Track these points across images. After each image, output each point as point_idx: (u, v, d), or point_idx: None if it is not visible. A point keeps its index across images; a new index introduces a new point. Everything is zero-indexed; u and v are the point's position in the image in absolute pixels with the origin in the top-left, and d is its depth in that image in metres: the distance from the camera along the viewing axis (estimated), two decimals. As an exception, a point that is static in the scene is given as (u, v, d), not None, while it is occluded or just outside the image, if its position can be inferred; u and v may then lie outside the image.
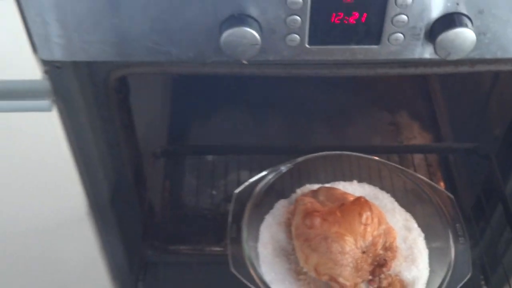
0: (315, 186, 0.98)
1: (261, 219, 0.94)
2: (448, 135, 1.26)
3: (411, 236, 0.93)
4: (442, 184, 1.17)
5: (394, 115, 1.31)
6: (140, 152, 1.01)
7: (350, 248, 0.81)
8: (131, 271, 1.01)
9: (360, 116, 1.29)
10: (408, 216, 0.95)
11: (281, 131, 1.25)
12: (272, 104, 1.29)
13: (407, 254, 0.91)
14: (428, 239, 0.93)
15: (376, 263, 0.85)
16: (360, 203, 0.86)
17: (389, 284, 0.86)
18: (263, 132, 1.24)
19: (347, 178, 0.97)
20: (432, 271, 0.88)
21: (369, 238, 0.84)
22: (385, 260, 0.85)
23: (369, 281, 0.86)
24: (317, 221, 0.84)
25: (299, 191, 0.97)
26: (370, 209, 0.85)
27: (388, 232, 0.87)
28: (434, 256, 0.91)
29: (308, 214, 0.86)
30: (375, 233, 0.85)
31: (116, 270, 1.10)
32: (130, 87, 0.90)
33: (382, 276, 0.85)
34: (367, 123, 1.29)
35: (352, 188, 0.97)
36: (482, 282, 1.09)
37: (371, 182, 0.98)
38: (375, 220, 0.85)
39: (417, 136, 1.29)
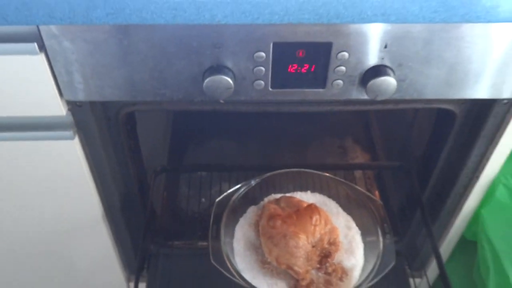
0: (279, 195, 0.98)
1: (236, 221, 0.94)
2: (382, 155, 1.26)
3: (351, 233, 0.93)
4: (376, 193, 1.17)
5: (341, 140, 1.32)
6: (145, 169, 1.00)
7: (303, 243, 0.81)
8: (138, 261, 0.99)
9: (316, 141, 1.29)
10: (348, 218, 0.94)
11: (255, 153, 1.25)
12: (249, 132, 1.29)
13: (347, 247, 0.91)
14: (363, 235, 0.93)
15: (323, 254, 0.85)
16: (311, 208, 0.87)
17: (333, 270, 0.86)
18: (242, 152, 1.25)
19: (303, 189, 0.97)
20: (366, 260, 0.87)
21: (317, 235, 0.84)
22: (330, 252, 0.85)
23: (318, 268, 0.87)
24: (278, 222, 0.84)
25: (266, 199, 0.96)
26: (319, 213, 0.86)
27: (333, 230, 0.87)
28: (368, 248, 0.91)
29: (272, 217, 0.87)
30: (322, 231, 0.85)
31: (126, 261, 1.09)
32: (136, 120, 0.89)
33: (328, 264, 0.85)
34: (321, 146, 1.29)
35: (307, 197, 0.96)
36: (406, 267, 1.09)
37: (321, 192, 0.97)
38: (323, 221, 0.86)
39: (359, 156, 1.30)
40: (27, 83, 0.67)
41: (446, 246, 1.09)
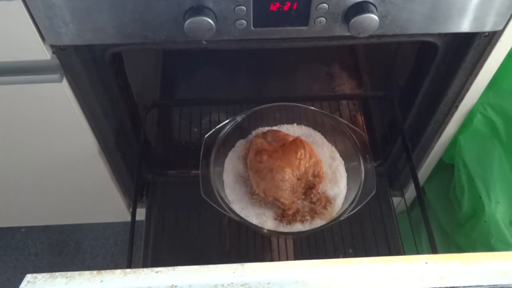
0: (266, 128, 0.96)
1: (225, 155, 0.93)
2: (367, 82, 1.23)
3: (335, 164, 0.92)
4: (361, 120, 1.14)
5: (329, 67, 1.27)
6: (136, 105, 0.98)
7: (288, 177, 0.81)
8: (137, 189, 0.99)
9: (304, 68, 1.25)
10: (333, 149, 0.93)
11: (244, 85, 1.22)
12: (238, 65, 1.24)
13: (331, 177, 0.91)
14: (347, 164, 0.93)
15: (307, 186, 0.85)
16: (296, 143, 0.85)
17: (318, 199, 0.86)
18: (231, 85, 1.21)
19: (290, 121, 0.96)
20: (349, 189, 0.87)
21: (302, 168, 0.83)
22: (314, 184, 0.85)
23: (303, 198, 0.86)
24: (265, 157, 0.83)
25: (253, 132, 0.94)
26: (304, 147, 0.84)
27: (317, 163, 0.86)
28: (350, 177, 0.91)
29: (259, 152, 0.85)
30: (307, 165, 0.84)
31: (125, 190, 1.09)
32: (123, 59, 0.85)
33: (312, 195, 0.85)
34: (309, 74, 1.25)
35: (293, 129, 0.94)
36: (388, 188, 1.11)
37: (307, 124, 0.95)
38: (307, 155, 0.85)
39: (346, 82, 1.26)
40: (8, 29, 0.63)
41: (425, 169, 1.09)
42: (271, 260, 0.97)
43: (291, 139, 0.84)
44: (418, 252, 0.97)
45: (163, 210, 1.04)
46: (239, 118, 0.88)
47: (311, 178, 0.82)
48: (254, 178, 0.82)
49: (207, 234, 0.96)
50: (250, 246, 0.98)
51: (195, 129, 1.17)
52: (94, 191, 1.08)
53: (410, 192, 1.14)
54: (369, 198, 0.78)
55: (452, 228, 1.07)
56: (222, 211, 0.77)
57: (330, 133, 0.93)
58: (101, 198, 1.11)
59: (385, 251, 1.01)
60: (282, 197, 0.79)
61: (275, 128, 0.93)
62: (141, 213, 1.06)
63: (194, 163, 1.07)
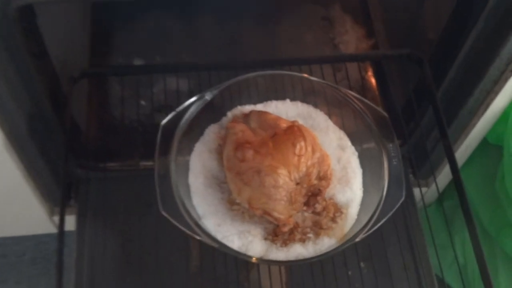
0: (247, 108, 0.91)
1: (191, 148, 0.88)
2: (380, 33, 1.19)
3: (345, 156, 0.88)
4: (375, 88, 1.13)
5: (326, 8, 1.21)
6: (58, 78, 0.91)
7: (283, 181, 0.76)
8: (61, 191, 0.93)
9: (292, 12, 1.18)
10: (341, 134, 0.90)
11: (211, 33, 1.14)
12: (201, 9, 1.18)
13: (341, 175, 0.86)
14: (361, 156, 0.89)
15: (310, 193, 0.81)
16: (293, 132, 0.79)
17: (323, 209, 0.82)
18: (191, 38, 1.14)
19: (280, 97, 0.91)
20: (366, 192, 0.85)
21: (303, 169, 0.78)
22: (319, 189, 0.80)
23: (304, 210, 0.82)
24: (249, 153, 0.78)
25: (229, 114, 0.90)
26: (304, 138, 0.79)
27: (322, 160, 0.81)
28: (367, 174, 0.87)
29: (240, 146, 0.79)
30: (309, 163, 0.79)
31: (45, 192, 1.03)
32: (36, 15, 0.78)
33: (317, 204, 0.81)
34: (299, 18, 1.19)
35: (285, 107, 0.91)
36: (411, 175, 1.11)
37: (304, 99, 0.91)
38: (309, 149, 0.79)
39: (349, 30, 1.21)
40: None
41: (462, 152, 1.07)
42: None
43: (285, 124, 0.80)
44: (457, 261, 0.96)
45: (101, 216, 1.01)
46: (208, 96, 0.84)
47: (315, 182, 0.79)
48: (234, 182, 0.78)
49: (166, 248, 0.94)
50: (229, 266, 0.95)
51: (143, 102, 1.13)
52: (1, 197, 1.02)
53: (439, 181, 1.12)
54: (398, 205, 0.77)
55: (497, 229, 1.07)
56: (190, 233, 0.75)
57: (336, 111, 0.90)
58: (13, 205, 1.06)
59: (409, 261, 1.01)
60: (275, 210, 0.76)
61: (259, 107, 0.89)
62: (70, 222, 1.02)
63: (144, 151, 1.05)
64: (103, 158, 1.05)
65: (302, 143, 0.79)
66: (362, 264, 1.00)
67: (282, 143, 0.79)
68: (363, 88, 1.14)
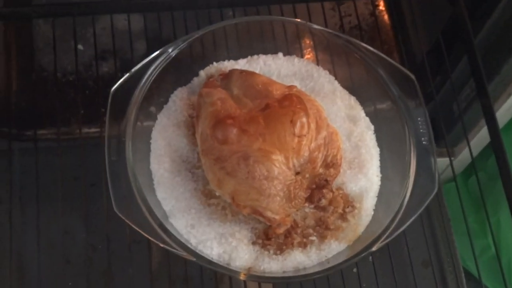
0: (225, 65, 0.89)
1: (151, 122, 0.85)
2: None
3: (358, 130, 0.86)
4: (388, 23, 1.13)
5: None
6: None
7: (279, 171, 0.74)
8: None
9: None
10: (352, 100, 0.88)
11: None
12: None
13: (352, 157, 0.85)
14: (378, 130, 0.87)
15: (314, 186, 0.78)
16: (292, 103, 0.75)
17: (330, 203, 0.81)
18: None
19: (269, 49, 0.90)
20: (385, 179, 0.84)
21: (305, 153, 0.76)
22: (326, 180, 0.78)
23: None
24: (233, 133, 0.75)
25: (202, 73, 0.88)
26: (306, 112, 0.75)
27: (330, 140, 0.77)
28: (387, 158, 0.86)
29: (220, 121, 0.76)
30: (313, 145, 0.76)
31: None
32: None
33: (322, 197, 0.78)
34: None
35: (277, 64, 0.89)
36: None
37: (302, 54, 0.90)
38: (313, 126, 0.76)
39: None
40: None
41: (504, 114, 1.08)
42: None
43: (279, 91, 0.78)
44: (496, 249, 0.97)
45: (30, 201, 1.00)
46: (172, 51, 0.82)
47: (321, 171, 0.77)
48: (212, 171, 0.77)
49: (118, 243, 0.89)
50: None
51: (81, 47, 1.11)
52: None
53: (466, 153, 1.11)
54: (430, 198, 0.76)
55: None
56: (152, 239, 0.73)
57: (343, 67, 0.89)
58: None
59: (431, 251, 1.01)
60: (269, 208, 0.74)
61: (242, 63, 0.88)
62: None
63: (85, 113, 1.04)
64: (31, 124, 1.04)
65: (304, 119, 0.75)
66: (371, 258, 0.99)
67: (277, 119, 0.75)
68: (375, 27, 1.13)
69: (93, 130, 1.03)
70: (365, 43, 1.05)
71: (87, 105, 1.03)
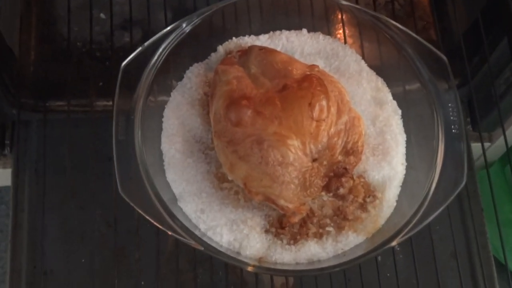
0: (246, 41, 0.87)
1: (164, 99, 0.84)
2: None
3: (383, 115, 0.84)
4: (427, 11, 1.09)
5: None
6: None
7: (295, 157, 0.73)
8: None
9: None
10: (380, 82, 0.86)
11: None
12: None
13: (376, 143, 0.83)
14: (405, 117, 0.85)
15: (332, 174, 0.76)
16: (312, 85, 0.73)
17: (350, 191, 0.79)
18: None
19: (293, 25, 0.88)
20: (410, 168, 0.82)
21: (323, 139, 0.74)
22: (345, 169, 0.76)
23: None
24: (247, 114, 0.73)
25: (221, 48, 0.87)
26: (326, 95, 0.73)
27: (352, 126, 0.76)
28: (413, 145, 0.84)
29: (234, 102, 0.74)
30: (333, 130, 0.74)
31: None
32: None
33: (340, 186, 0.76)
34: None
35: (300, 41, 0.88)
36: (469, 127, 1.09)
37: (327, 29, 0.88)
38: (333, 110, 0.74)
39: None
40: None
41: None
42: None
43: (300, 71, 0.76)
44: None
45: (43, 170, 0.98)
46: (187, 26, 0.81)
47: (340, 158, 0.75)
48: (224, 154, 0.76)
49: (127, 218, 0.88)
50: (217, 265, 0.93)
51: (103, 16, 1.08)
52: None
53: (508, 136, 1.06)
54: (456, 192, 0.74)
55: None
56: (158, 225, 0.72)
57: (372, 46, 0.87)
58: None
59: (459, 241, 0.98)
60: (282, 196, 0.73)
61: (263, 39, 0.87)
62: (4, 176, 1.04)
63: (101, 86, 1.03)
64: (46, 95, 1.02)
65: (323, 102, 0.73)
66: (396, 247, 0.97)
67: (294, 101, 0.73)
68: (411, 2, 1.09)
69: (109, 103, 1.02)
70: (400, 18, 1.03)
71: (103, 77, 1.02)
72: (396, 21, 0.83)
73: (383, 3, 1.11)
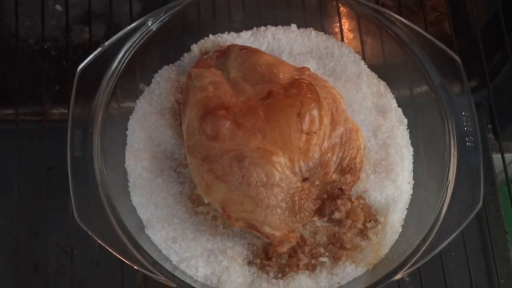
0: (225, 39, 0.87)
1: (129, 108, 0.85)
2: None
3: (387, 125, 0.85)
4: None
5: None
6: None
7: (281, 177, 0.73)
8: None
9: None
10: (382, 87, 0.87)
11: None
12: None
13: (378, 158, 0.84)
14: (412, 128, 0.86)
15: (325, 196, 0.76)
16: (301, 91, 0.74)
17: (347, 215, 0.80)
18: None
19: (281, 20, 0.89)
20: (418, 187, 0.83)
21: (315, 155, 0.75)
22: (341, 190, 0.76)
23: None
24: (225, 126, 0.74)
25: (195, 48, 0.87)
26: (318, 102, 0.73)
27: (349, 139, 0.76)
28: (422, 160, 0.84)
29: (210, 112, 0.75)
30: (326, 145, 0.75)
31: None
32: None
33: (335, 209, 0.77)
34: None
35: (289, 39, 0.89)
36: (490, 135, 1.07)
37: (319, 24, 0.89)
38: (326, 121, 0.74)
39: None
40: None
41: None
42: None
43: (287, 75, 0.77)
44: None
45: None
46: (152, 24, 0.81)
47: (335, 177, 0.75)
48: (199, 173, 0.76)
49: (87, 251, 0.87)
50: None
51: (59, 7, 1.08)
52: None
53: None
54: (471, 216, 0.75)
55: None
56: (122, 258, 0.73)
57: (373, 44, 0.88)
58: None
59: (478, 266, 0.98)
60: (267, 223, 0.74)
61: (246, 37, 0.88)
62: None
63: (57, 91, 1.03)
64: None
65: (315, 112, 0.73)
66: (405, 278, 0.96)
67: (280, 111, 0.74)
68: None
69: (67, 111, 0.99)
70: (410, 9, 1.01)
71: (60, 81, 1.02)
72: (404, 12, 0.83)
73: (389, -10, 1.12)
